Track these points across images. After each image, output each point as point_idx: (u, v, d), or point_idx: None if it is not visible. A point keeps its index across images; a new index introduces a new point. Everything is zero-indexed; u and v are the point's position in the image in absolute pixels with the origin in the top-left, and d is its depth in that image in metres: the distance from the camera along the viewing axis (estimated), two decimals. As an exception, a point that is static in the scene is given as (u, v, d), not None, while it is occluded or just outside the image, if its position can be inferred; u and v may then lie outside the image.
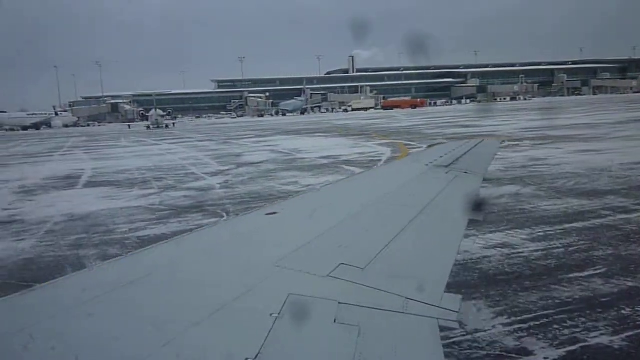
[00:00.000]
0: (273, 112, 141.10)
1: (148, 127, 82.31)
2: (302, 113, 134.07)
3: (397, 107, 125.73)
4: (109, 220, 13.34)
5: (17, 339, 1.75)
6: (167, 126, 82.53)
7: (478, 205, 4.08)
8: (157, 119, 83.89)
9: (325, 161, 23.53)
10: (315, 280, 2.42)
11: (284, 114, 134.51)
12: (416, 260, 2.96)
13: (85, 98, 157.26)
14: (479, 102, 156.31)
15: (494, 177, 16.10)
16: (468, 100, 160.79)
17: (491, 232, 9.78)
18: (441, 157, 6.14)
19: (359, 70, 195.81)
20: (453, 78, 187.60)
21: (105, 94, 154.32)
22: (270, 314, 1.96)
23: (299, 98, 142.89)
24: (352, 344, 1.84)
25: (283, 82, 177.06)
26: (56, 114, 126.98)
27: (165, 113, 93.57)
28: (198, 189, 17.60)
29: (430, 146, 7.96)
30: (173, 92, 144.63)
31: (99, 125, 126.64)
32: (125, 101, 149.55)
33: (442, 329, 2.05)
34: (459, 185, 4.75)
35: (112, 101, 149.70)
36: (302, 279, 2.43)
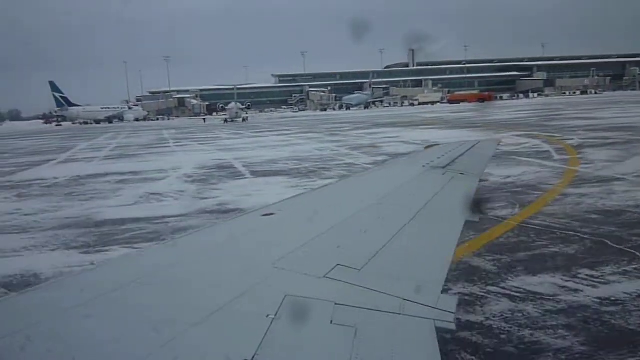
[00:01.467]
0: (336, 106, 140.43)
1: (225, 121, 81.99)
2: (366, 107, 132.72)
3: (463, 100, 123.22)
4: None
5: (14, 341, 1.74)
6: (244, 119, 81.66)
7: (475, 207, 4.10)
8: (237, 112, 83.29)
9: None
10: (312, 281, 2.41)
11: (347, 108, 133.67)
12: (413, 261, 2.97)
13: (152, 93, 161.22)
14: (547, 95, 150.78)
15: None
16: (535, 94, 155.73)
17: None
18: (438, 158, 6.12)
19: (419, 64, 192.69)
20: (517, 71, 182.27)
21: (171, 89, 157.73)
22: (267, 315, 1.97)
23: (365, 92, 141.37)
24: (348, 345, 1.85)
25: (343, 76, 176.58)
26: (130, 107, 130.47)
27: (244, 106, 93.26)
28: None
29: (427, 147, 8.09)
30: (246, 86, 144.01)
31: (169, 119, 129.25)
32: (190, 96, 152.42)
33: (439, 330, 2.05)
34: (455, 186, 4.78)
35: (178, 96, 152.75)
36: (299, 280, 2.42)
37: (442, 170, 5.42)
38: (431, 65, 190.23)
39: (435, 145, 8.35)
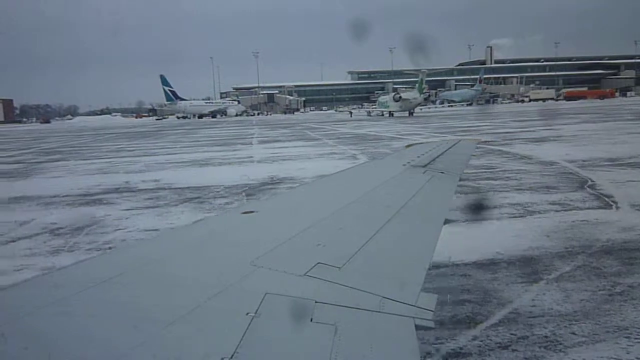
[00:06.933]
0: (437, 102, 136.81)
1: (390, 114, 74.89)
2: (470, 104, 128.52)
3: (581, 97, 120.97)
4: None
5: None
6: (410, 113, 74.88)
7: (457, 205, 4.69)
8: (419, 103, 74.71)
9: None
10: (292, 279, 2.40)
11: (450, 105, 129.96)
12: (393, 259, 2.96)
13: (236, 89, 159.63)
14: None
15: None
16: (633, 93, 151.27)
17: None
18: (418, 157, 6.14)
19: (496, 62, 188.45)
20: (602, 69, 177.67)
21: (259, 85, 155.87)
22: (247, 313, 1.97)
23: (475, 86, 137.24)
24: (328, 343, 1.85)
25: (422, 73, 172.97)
26: (238, 102, 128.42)
27: (425, 96, 76.78)
28: None
29: (407, 146, 7.71)
30: (324, 83, 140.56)
31: (266, 115, 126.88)
32: (278, 92, 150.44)
33: (418, 327, 2.03)
34: (435, 185, 4.80)
35: (266, 92, 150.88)
36: (279, 278, 2.41)
37: (423, 169, 5.42)
38: (509, 63, 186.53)
39: (416, 144, 8.36)
